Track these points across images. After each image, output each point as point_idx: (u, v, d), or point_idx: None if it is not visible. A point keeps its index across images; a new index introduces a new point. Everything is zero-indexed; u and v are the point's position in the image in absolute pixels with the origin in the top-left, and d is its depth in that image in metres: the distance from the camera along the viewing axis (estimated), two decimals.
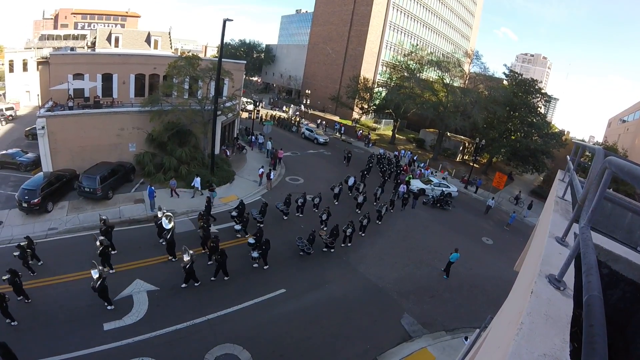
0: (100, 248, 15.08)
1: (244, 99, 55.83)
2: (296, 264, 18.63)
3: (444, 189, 32.68)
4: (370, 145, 50.54)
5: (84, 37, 62.15)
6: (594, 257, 1.78)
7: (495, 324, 4.98)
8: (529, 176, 51.67)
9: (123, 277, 15.57)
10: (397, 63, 57.64)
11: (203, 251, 17.55)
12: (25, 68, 47.95)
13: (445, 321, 16.48)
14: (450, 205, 31.10)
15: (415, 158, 43.74)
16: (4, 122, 37.38)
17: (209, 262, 16.97)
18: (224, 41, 26.73)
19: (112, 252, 16.30)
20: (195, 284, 15.55)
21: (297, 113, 64.77)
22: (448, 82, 48.41)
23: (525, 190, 42.70)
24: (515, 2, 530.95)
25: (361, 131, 55.66)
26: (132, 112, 26.53)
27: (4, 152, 26.77)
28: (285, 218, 23.16)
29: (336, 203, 26.49)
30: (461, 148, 53.67)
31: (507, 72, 48.17)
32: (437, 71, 49.53)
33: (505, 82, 49.24)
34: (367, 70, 68.17)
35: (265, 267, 17.68)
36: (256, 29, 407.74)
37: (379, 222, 24.96)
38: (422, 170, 39.55)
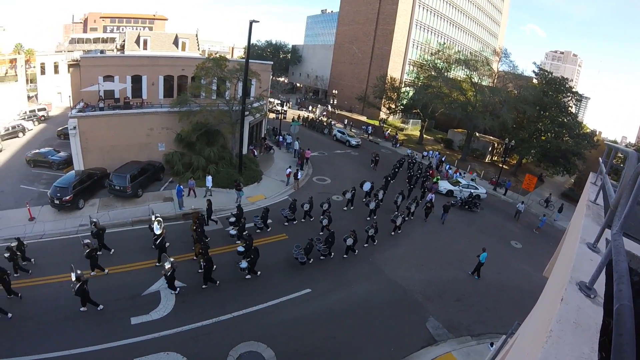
0: (87, 251, 15.03)
1: (273, 100, 56.17)
2: (321, 264, 18.65)
3: (472, 190, 32.06)
4: (398, 145, 50.06)
5: (112, 40, 64.24)
6: (625, 265, 1.75)
7: (523, 330, 4.89)
8: (560, 178, 50.09)
9: (151, 273, 16.02)
10: (425, 62, 57.04)
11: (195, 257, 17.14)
12: (56, 70, 49.87)
13: (471, 325, 16.16)
14: (478, 207, 30.45)
15: (443, 159, 42.86)
16: (36, 123, 39.10)
17: (199, 270, 15.96)
18: (251, 42, 27.04)
19: (98, 253, 15.90)
20: (172, 292, 14.97)
21: (324, 113, 64.81)
22: (476, 81, 47.43)
23: (556, 192, 41.35)
24: None
25: (389, 131, 55.25)
26: (161, 113, 27.25)
27: (37, 151, 28.08)
28: (287, 224, 22.13)
29: (345, 209, 25.38)
30: (490, 149, 52.50)
31: (536, 70, 46.49)
32: (465, 70, 48.63)
33: (534, 80, 47.83)
34: (394, 70, 67.60)
35: (247, 277, 16.58)
36: (282, 30, 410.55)
37: (393, 233, 22.96)
38: (449, 172, 38.87)
